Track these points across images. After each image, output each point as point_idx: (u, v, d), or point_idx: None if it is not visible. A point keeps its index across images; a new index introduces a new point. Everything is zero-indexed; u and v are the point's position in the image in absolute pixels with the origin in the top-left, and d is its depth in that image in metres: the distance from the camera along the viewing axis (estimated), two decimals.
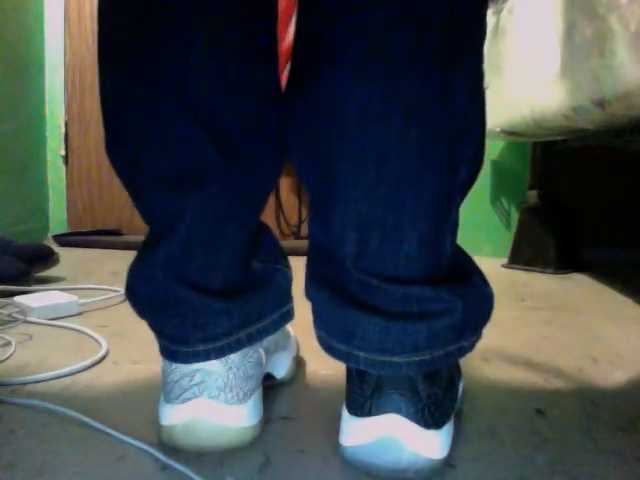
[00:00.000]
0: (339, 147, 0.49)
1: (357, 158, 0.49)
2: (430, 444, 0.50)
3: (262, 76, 0.56)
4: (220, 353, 0.55)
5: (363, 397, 0.51)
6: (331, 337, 0.54)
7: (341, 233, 0.51)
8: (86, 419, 0.59)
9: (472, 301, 0.53)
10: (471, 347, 0.55)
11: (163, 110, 0.52)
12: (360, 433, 0.51)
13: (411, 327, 0.50)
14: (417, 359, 0.51)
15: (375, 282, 0.50)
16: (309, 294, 0.56)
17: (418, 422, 0.49)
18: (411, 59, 0.47)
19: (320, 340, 0.55)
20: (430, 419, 0.50)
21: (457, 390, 0.57)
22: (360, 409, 0.51)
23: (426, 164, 0.49)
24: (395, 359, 0.50)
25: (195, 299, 0.54)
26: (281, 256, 0.65)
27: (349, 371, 0.54)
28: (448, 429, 0.52)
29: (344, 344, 0.52)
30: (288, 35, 1.57)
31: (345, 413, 0.53)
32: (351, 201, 0.50)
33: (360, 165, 0.49)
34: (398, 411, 0.49)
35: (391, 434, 0.49)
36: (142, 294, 0.56)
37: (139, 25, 0.52)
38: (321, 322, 0.55)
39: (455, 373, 0.56)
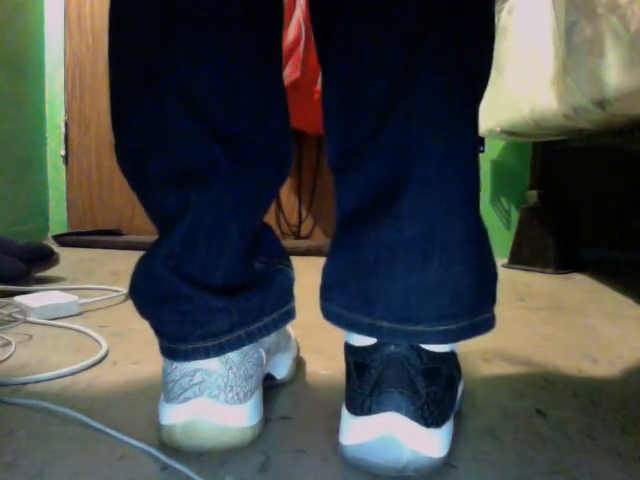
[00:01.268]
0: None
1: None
2: (430, 443, 0.50)
3: (265, 75, 0.56)
4: (220, 351, 0.55)
5: (363, 396, 0.51)
6: (352, 311, 0.53)
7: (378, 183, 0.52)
8: (86, 419, 0.59)
9: (485, 263, 0.54)
10: (493, 321, 0.55)
11: (167, 109, 0.52)
12: (360, 432, 0.51)
13: (433, 288, 0.50)
14: (442, 328, 0.51)
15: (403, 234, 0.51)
16: (331, 265, 0.56)
17: (418, 420, 0.49)
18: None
19: (338, 319, 0.55)
20: (430, 417, 0.50)
21: (457, 389, 0.57)
22: (360, 408, 0.51)
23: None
24: (420, 328, 0.50)
25: (195, 295, 0.54)
26: (283, 256, 0.65)
27: (349, 371, 0.54)
28: (448, 428, 0.52)
29: (367, 315, 0.52)
30: (288, 34, 1.57)
31: (345, 412, 0.53)
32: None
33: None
34: (398, 409, 0.49)
35: (391, 432, 0.49)
36: (144, 291, 0.57)
37: (144, 26, 0.52)
38: (343, 295, 0.54)
39: (455, 372, 0.56)
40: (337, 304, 0.55)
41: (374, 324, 0.52)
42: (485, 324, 0.54)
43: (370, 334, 0.52)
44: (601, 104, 0.87)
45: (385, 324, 0.51)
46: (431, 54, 0.49)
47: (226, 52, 0.53)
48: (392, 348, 0.51)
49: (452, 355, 0.54)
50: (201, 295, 0.54)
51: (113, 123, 0.56)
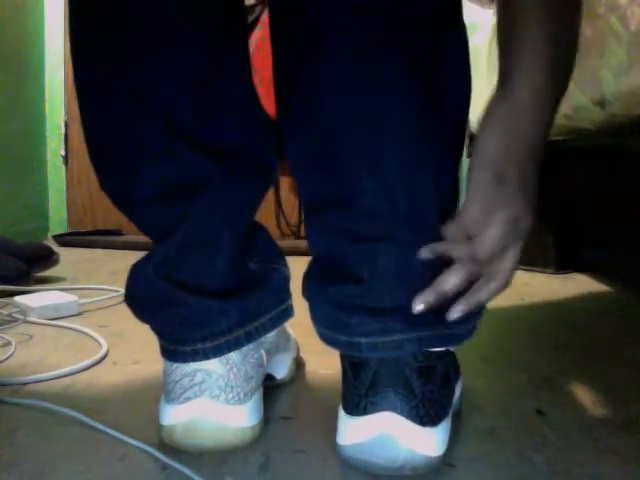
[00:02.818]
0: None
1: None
2: (426, 441, 0.50)
3: (240, 86, 0.56)
4: (219, 352, 0.55)
5: (358, 396, 0.51)
6: (330, 330, 0.54)
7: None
8: (86, 419, 0.59)
9: None
10: (474, 326, 0.55)
11: (144, 129, 0.52)
12: (356, 432, 0.51)
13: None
14: (416, 335, 0.51)
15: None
16: (306, 294, 0.56)
17: (413, 419, 0.49)
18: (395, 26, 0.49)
19: (322, 336, 0.55)
20: (426, 416, 0.50)
21: (453, 388, 0.57)
22: (355, 408, 0.51)
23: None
24: (397, 337, 0.50)
25: (191, 300, 0.54)
26: (277, 255, 0.65)
27: (344, 370, 0.54)
28: (444, 427, 0.52)
29: (344, 334, 0.52)
30: None
31: (341, 412, 0.53)
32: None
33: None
34: (393, 409, 0.49)
35: (387, 432, 0.49)
36: (139, 298, 0.57)
37: (110, 50, 0.52)
38: (321, 319, 0.55)
39: (451, 371, 0.56)
40: (318, 324, 0.55)
41: (351, 341, 0.52)
42: (464, 334, 0.54)
43: (351, 351, 0.52)
44: (601, 104, 0.87)
45: (363, 340, 0.51)
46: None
47: (202, 69, 0.53)
48: None
49: (447, 354, 0.55)
50: (197, 299, 0.54)
51: (88, 146, 0.56)
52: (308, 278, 0.57)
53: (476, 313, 0.54)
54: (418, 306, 0.49)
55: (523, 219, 0.51)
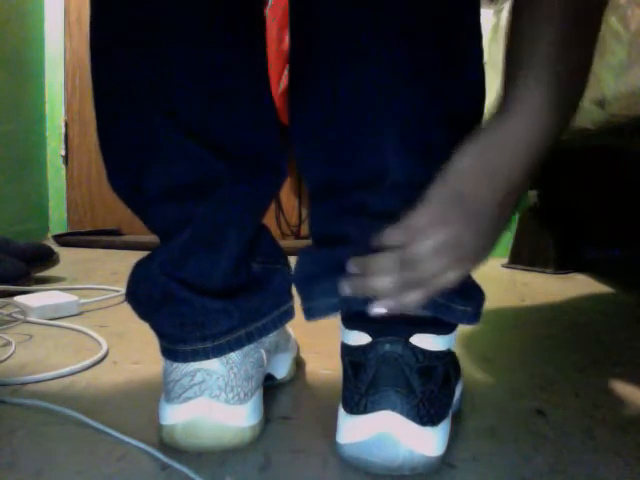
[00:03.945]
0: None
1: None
2: (426, 441, 0.50)
3: (254, 87, 0.57)
4: (219, 352, 0.55)
5: (358, 394, 0.51)
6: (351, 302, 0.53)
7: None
8: (86, 419, 0.59)
9: None
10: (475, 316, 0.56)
11: (155, 127, 0.53)
12: (356, 431, 0.51)
13: None
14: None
15: None
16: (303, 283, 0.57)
17: (413, 419, 0.49)
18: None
19: (334, 307, 0.54)
20: (426, 416, 0.50)
21: (453, 388, 0.57)
22: (355, 407, 0.51)
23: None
24: None
25: (193, 299, 0.54)
26: (280, 256, 0.65)
27: (345, 369, 0.54)
28: (444, 427, 0.52)
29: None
30: (286, 37, 1.57)
31: (341, 411, 0.53)
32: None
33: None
34: (393, 408, 0.49)
35: (387, 431, 0.49)
36: (141, 295, 0.57)
37: (125, 49, 0.52)
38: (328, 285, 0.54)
39: (451, 371, 0.56)
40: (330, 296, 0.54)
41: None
42: (463, 316, 0.55)
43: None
44: (601, 104, 0.87)
45: None
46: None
47: (214, 69, 0.53)
48: (387, 347, 0.51)
49: (448, 354, 0.55)
50: (199, 298, 0.54)
51: (100, 141, 0.56)
52: (301, 269, 0.57)
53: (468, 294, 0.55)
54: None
55: (465, 244, 0.47)
